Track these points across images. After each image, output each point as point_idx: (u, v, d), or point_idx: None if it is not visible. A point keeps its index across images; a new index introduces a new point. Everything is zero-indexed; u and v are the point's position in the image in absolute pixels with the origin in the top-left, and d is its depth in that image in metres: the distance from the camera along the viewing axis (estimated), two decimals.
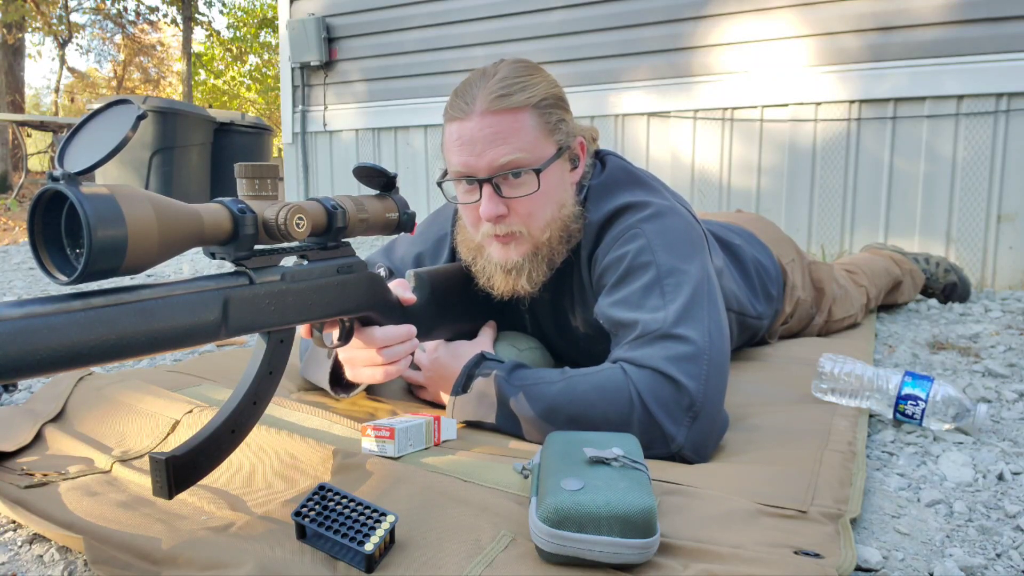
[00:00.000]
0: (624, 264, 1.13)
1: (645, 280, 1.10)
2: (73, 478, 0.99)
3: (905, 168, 3.01)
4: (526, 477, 0.88)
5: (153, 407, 1.15)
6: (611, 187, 1.22)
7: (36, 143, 10.92)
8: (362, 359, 1.06)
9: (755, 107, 3.27)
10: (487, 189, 1.11)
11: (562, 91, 1.18)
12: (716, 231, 1.63)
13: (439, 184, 1.18)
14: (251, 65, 18.57)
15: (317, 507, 0.77)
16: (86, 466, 1.03)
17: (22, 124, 7.26)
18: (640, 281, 1.10)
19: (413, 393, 1.30)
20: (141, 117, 0.67)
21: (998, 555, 0.84)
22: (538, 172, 1.11)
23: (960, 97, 2.87)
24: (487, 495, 0.86)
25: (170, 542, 0.79)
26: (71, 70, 18.69)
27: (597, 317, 1.16)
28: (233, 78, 18.59)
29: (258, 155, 6.39)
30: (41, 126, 7.24)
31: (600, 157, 1.28)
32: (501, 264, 1.17)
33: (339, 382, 1.20)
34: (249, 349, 1.76)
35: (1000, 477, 1.05)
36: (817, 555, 0.74)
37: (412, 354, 1.08)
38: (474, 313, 1.28)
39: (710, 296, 1.10)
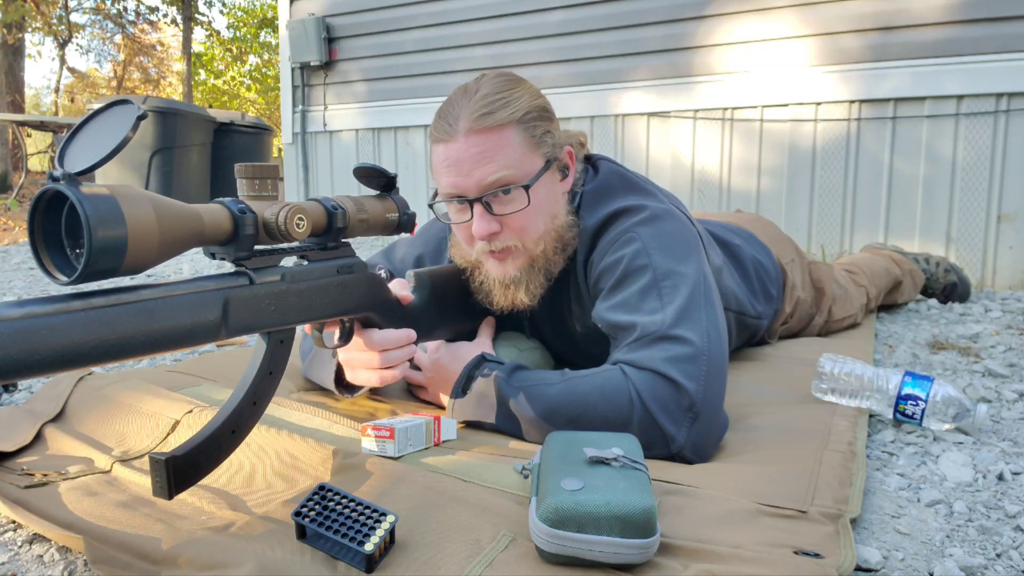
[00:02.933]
0: (620, 268, 1.13)
1: (642, 283, 1.10)
2: (73, 478, 0.99)
3: (905, 168, 3.01)
4: (526, 477, 0.88)
5: (153, 407, 1.15)
6: (605, 192, 1.22)
7: (36, 143, 10.92)
8: (360, 361, 1.07)
9: (755, 107, 3.27)
10: (478, 208, 1.11)
11: (546, 102, 1.17)
12: (715, 231, 1.63)
13: (430, 206, 1.18)
14: (251, 65, 18.58)
15: (317, 507, 0.77)
16: (86, 466, 1.03)
17: (22, 124, 7.26)
18: (637, 284, 1.10)
19: (413, 393, 1.30)
20: (141, 117, 0.67)
21: (998, 555, 0.85)
22: (527, 188, 1.10)
23: (960, 97, 2.87)
24: (487, 495, 0.86)
25: (170, 542, 0.79)
26: (71, 70, 18.70)
27: (595, 321, 1.16)
28: (233, 78, 18.59)
29: (258, 155, 6.39)
30: (41, 126, 7.24)
31: (592, 162, 1.28)
32: (499, 279, 1.18)
33: (342, 382, 1.20)
34: (249, 349, 1.76)
35: (1000, 477, 1.05)
36: (817, 555, 0.74)
37: (411, 359, 1.08)
38: (474, 314, 1.28)
39: (707, 297, 1.10)
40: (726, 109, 3.34)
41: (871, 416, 1.29)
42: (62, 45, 15.08)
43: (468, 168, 1.09)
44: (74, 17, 16.83)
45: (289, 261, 0.90)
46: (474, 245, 1.16)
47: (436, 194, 1.17)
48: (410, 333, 1.06)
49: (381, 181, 1.00)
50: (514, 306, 1.20)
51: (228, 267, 2.93)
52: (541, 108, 1.15)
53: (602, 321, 1.13)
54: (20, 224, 5.79)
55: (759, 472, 0.95)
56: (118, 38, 17.54)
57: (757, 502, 0.85)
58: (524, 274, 1.16)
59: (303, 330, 1.10)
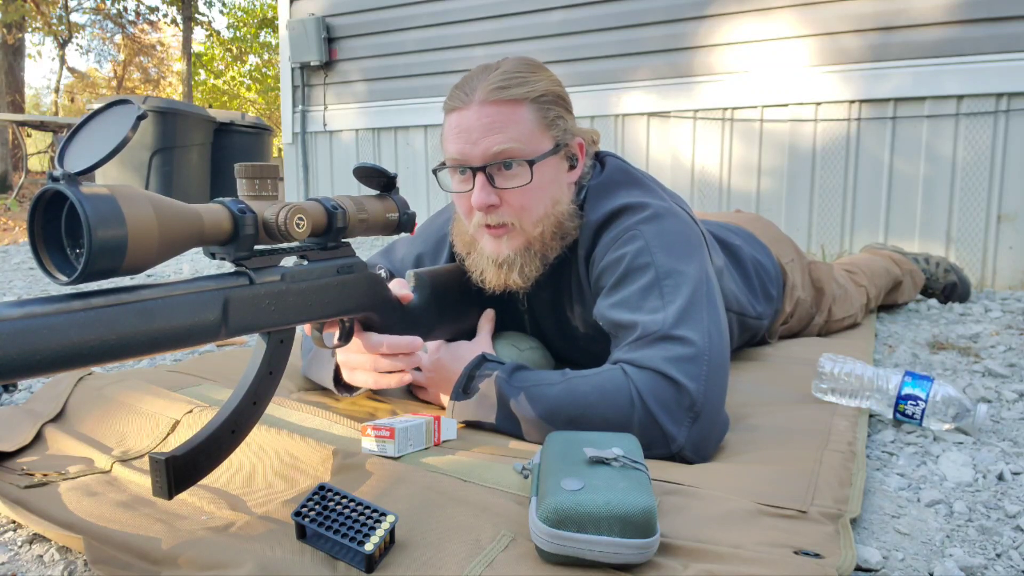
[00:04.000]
0: (623, 265, 1.13)
1: (644, 281, 1.10)
2: (73, 478, 0.99)
3: (905, 168, 3.01)
4: (526, 477, 0.88)
5: (153, 407, 1.15)
6: (609, 188, 1.22)
7: (36, 143, 10.92)
8: (358, 363, 1.07)
9: (755, 107, 3.27)
10: (480, 178, 1.11)
11: (564, 91, 1.18)
12: (715, 231, 1.63)
13: (435, 172, 1.18)
14: (251, 65, 18.58)
15: (317, 507, 0.77)
16: (86, 466, 1.03)
17: (22, 124, 7.26)
18: (639, 282, 1.10)
19: (413, 393, 1.30)
20: (141, 117, 0.67)
21: (998, 555, 0.84)
22: (531, 163, 1.11)
23: (960, 97, 2.87)
24: (487, 495, 0.86)
25: (170, 542, 0.79)
26: (71, 70, 18.71)
27: (596, 319, 1.16)
28: (233, 78, 18.59)
29: (258, 155, 6.39)
30: (41, 126, 7.24)
31: (599, 158, 1.28)
32: (493, 258, 1.17)
33: (341, 381, 1.20)
34: (249, 349, 1.76)
35: (1000, 477, 1.05)
36: (817, 555, 0.74)
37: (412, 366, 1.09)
38: (474, 313, 1.28)
39: (709, 297, 1.10)
40: (726, 109, 3.34)
41: (871, 416, 1.29)
42: (62, 45, 15.08)
43: (476, 136, 1.10)
44: (74, 17, 16.84)
45: (289, 261, 0.89)
46: (472, 217, 1.16)
47: (444, 164, 1.17)
48: (414, 341, 1.06)
49: (381, 181, 1.00)
50: (507, 287, 1.20)
51: (228, 267, 2.93)
52: (557, 95, 1.16)
53: (603, 319, 1.13)
54: (20, 224, 5.78)
55: (759, 472, 0.95)
56: (118, 38, 17.55)
57: (757, 502, 0.85)
58: (519, 256, 1.17)
59: (303, 330, 1.10)
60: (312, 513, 0.77)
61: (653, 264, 1.11)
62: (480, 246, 1.19)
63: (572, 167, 1.20)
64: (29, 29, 12.81)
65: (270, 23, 16.85)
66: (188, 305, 0.74)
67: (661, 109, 3.49)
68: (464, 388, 1.12)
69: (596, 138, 1.29)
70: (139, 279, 2.84)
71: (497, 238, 1.16)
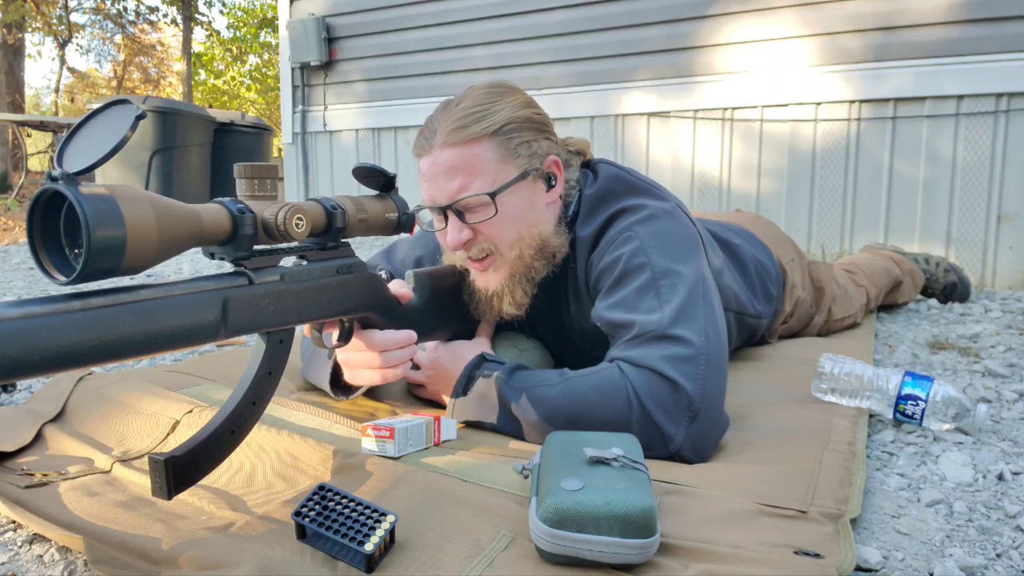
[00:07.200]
0: (619, 267, 1.13)
1: (640, 282, 1.10)
2: (73, 478, 0.99)
3: (905, 168, 3.01)
4: (526, 477, 0.88)
5: (153, 407, 1.15)
6: (605, 195, 1.22)
7: (36, 143, 10.92)
8: (360, 361, 1.07)
9: (755, 107, 3.27)
10: (451, 218, 1.14)
11: (533, 112, 1.17)
12: (715, 230, 1.63)
13: (414, 213, 1.20)
14: (251, 65, 18.59)
15: (317, 507, 0.77)
16: (86, 466, 1.03)
17: (22, 124, 7.26)
18: (635, 283, 1.10)
19: (413, 393, 1.30)
20: (140, 117, 0.67)
21: (998, 555, 0.84)
22: (492, 196, 1.11)
23: (960, 97, 2.87)
24: (487, 495, 0.86)
25: (170, 542, 0.79)
26: (71, 70, 18.71)
27: (594, 321, 1.16)
28: (233, 78, 18.60)
29: (258, 155, 6.39)
30: (41, 126, 7.24)
31: (592, 167, 1.28)
32: (483, 292, 1.20)
33: (339, 384, 1.20)
34: (249, 349, 1.76)
35: (1000, 477, 1.05)
36: (817, 555, 0.74)
37: (411, 359, 1.09)
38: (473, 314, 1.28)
39: (706, 297, 1.10)
40: (726, 109, 3.34)
41: (871, 416, 1.29)
42: (62, 45, 15.09)
43: (441, 182, 1.12)
44: (74, 17, 16.84)
45: (289, 261, 0.90)
46: (456, 252, 1.18)
47: (420, 205, 1.19)
48: (411, 334, 1.07)
49: (380, 181, 1.00)
50: (501, 317, 1.22)
51: (227, 267, 2.92)
52: (524, 119, 1.14)
53: (601, 320, 1.14)
54: (20, 224, 5.78)
55: (759, 472, 0.95)
56: (118, 38, 17.56)
57: (757, 502, 0.85)
58: (505, 286, 1.18)
59: (303, 331, 1.11)
60: (312, 513, 0.77)
61: (649, 264, 1.11)
62: (471, 279, 1.22)
63: (551, 186, 1.20)
64: (29, 29, 12.82)
65: (270, 23, 16.85)
66: (188, 305, 0.74)
67: (661, 109, 3.49)
68: (464, 388, 1.12)
69: (584, 148, 1.28)
70: (139, 279, 2.84)
71: (484, 271, 1.18)
